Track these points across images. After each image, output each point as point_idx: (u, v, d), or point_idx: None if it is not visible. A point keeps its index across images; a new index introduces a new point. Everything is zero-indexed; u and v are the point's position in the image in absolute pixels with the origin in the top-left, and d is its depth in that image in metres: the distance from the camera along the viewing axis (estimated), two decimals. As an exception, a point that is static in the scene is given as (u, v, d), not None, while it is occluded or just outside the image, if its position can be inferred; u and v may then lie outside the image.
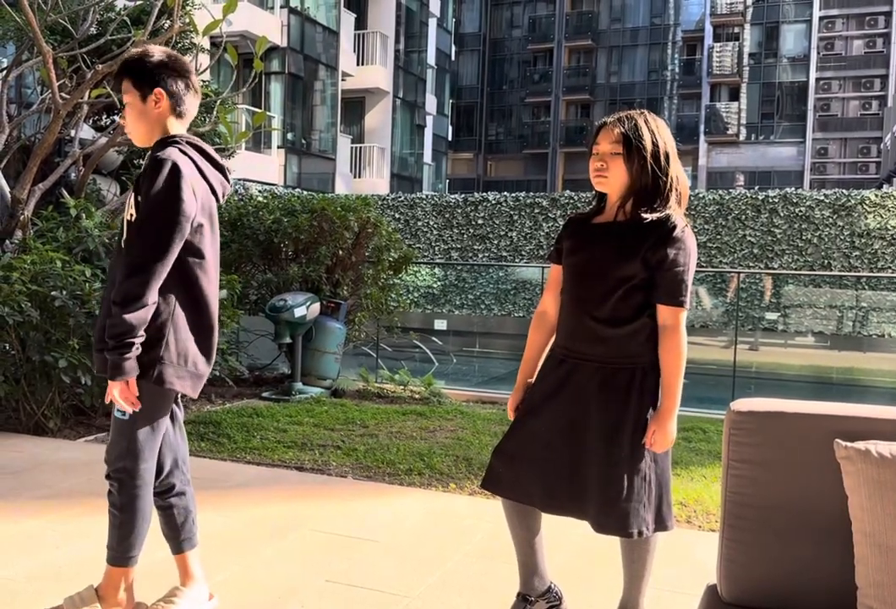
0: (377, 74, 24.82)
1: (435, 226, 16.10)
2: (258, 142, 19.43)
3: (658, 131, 2.23)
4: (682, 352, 2.18)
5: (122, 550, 2.38)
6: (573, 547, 3.12)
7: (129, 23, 6.67)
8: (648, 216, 2.18)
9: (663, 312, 2.19)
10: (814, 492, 1.66)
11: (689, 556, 3.18)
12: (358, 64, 24.25)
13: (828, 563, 1.65)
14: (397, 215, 16.14)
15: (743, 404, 1.75)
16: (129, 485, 2.33)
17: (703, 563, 2.89)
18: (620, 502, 2.16)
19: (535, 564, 2.39)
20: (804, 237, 13.78)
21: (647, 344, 2.22)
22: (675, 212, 2.21)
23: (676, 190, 2.23)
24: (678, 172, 2.25)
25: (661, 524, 2.25)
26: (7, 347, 4.74)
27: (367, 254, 7.45)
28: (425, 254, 15.86)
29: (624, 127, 2.20)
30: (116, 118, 8.25)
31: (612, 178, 2.22)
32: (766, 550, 1.70)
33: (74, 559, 2.98)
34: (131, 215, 2.28)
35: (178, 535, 2.49)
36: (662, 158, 2.21)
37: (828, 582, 1.65)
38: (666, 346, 2.18)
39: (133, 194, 2.31)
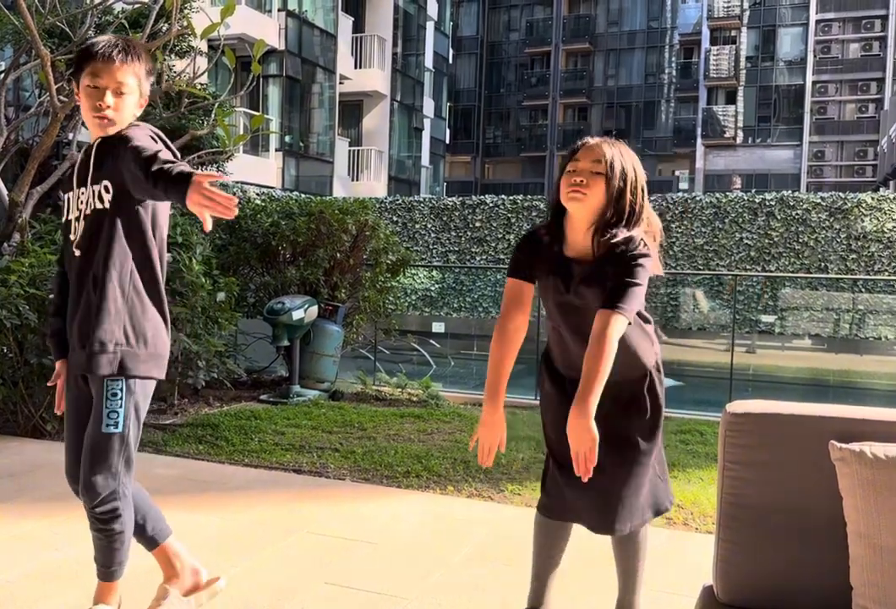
0: (375, 78, 24.85)
1: (433, 229, 16.12)
2: (256, 145, 19.45)
3: (636, 162, 2.20)
4: (607, 359, 2.02)
5: (123, 562, 2.31)
6: (570, 548, 3.13)
7: (126, 26, 6.68)
8: (617, 237, 2.11)
9: (599, 317, 2.05)
10: (809, 493, 1.68)
11: (685, 557, 3.19)
12: (356, 67, 24.28)
13: (823, 564, 1.66)
14: (395, 218, 16.16)
15: (739, 406, 1.76)
16: (121, 506, 2.22)
17: (699, 564, 2.90)
18: (625, 500, 2.21)
19: (550, 580, 2.41)
20: (801, 240, 13.82)
21: (647, 348, 2.25)
22: (638, 234, 2.16)
23: (647, 221, 2.20)
24: (649, 208, 2.22)
25: (662, 506, 2.30)
26: (5, 350, 4.74)
27: (364, 257, 7.46)
28: (423, 257, 15.87)
29: (609, 148, 2.15)
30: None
31: (590, 197, 2.12)
32: (761, 551, 1.71)
33: (73, 561, 2.98)
34: (99, 206, 2.13)
35: (144, 533, 2.38)
36: (639, 189, 2.17)
37: (823, 582, 1.66)
38: (592, 351, 2.02)
39: (92, 185, 2.16)
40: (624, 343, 2.11)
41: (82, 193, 2.20)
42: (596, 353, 2.00)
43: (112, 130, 2.15)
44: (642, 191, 2.18)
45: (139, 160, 1.99)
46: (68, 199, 2.24)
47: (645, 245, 2.12)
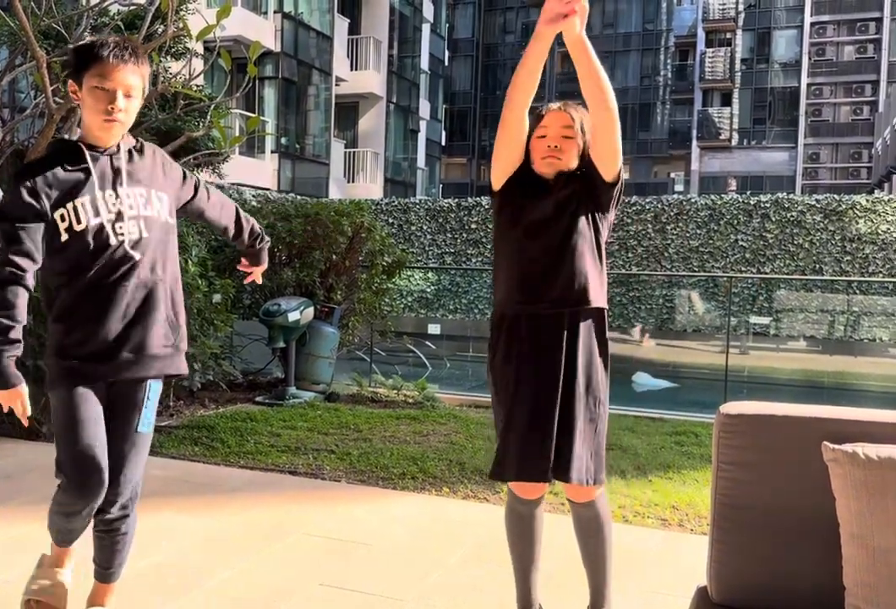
0: (371, 79, 24.86)
1: (428, 230, 16.12)
2: (252, 146, 19.44)
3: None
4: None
5: (123, 564, 2.38)
6: (557, 552, 3.14)
7: (122, 28, 6.68)
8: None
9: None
10: (802, 493, 1.68)
11: (680, 559, 3.20)
12: (351, 69, 24.28)
13: (816, 564, 1.66)
14: (391, 220, 16.16)
15: (732, 407, 1.77)
16: (133, 507, 2.30)
17: (694, 565, 2.90)
18: (597, 453, 2.24)
19: (536, 579, 2.40)
20: (796, 242, 13.85)
21: (599, 285, 2.28)
22: None
23: None
24: None
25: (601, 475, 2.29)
26: None
27: (360, 258, 7.47)
28: (419, 258, 15.87)
29: (574, 112, 2.26)
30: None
31: (564, 161, 2.25)
32: (754, 551, 1.71)
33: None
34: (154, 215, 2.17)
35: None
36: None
37: (816, 582, 1.67)
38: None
39: (152, 189, 2.18)
40: (579, 267, 2.22)
41: (114, 196, 2.12)
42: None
43: (119, 133, 2.13)
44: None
45: (238, 217, 2.49)
46: (93, 200, 2.10)
47: None
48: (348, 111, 25.38)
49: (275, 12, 20.54)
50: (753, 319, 13.90)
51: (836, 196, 13.91)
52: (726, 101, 40.70)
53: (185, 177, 2.32)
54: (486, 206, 15.70)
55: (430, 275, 16.03)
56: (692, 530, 3.63)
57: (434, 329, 13.59)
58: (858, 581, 1.55)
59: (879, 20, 39.68)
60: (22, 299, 2.17)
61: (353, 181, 24.61)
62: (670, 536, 3.52)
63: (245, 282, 2.64)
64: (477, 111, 44.03)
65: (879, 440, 1.60)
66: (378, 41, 25.11)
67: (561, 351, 2.20)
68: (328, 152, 23.01)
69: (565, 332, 2.21)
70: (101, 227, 2.10)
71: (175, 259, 2.25)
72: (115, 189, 2.12)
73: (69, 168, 2.09)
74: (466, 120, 43.99)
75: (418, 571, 3.00)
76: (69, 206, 2.07)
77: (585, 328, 2.23)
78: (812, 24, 40.34)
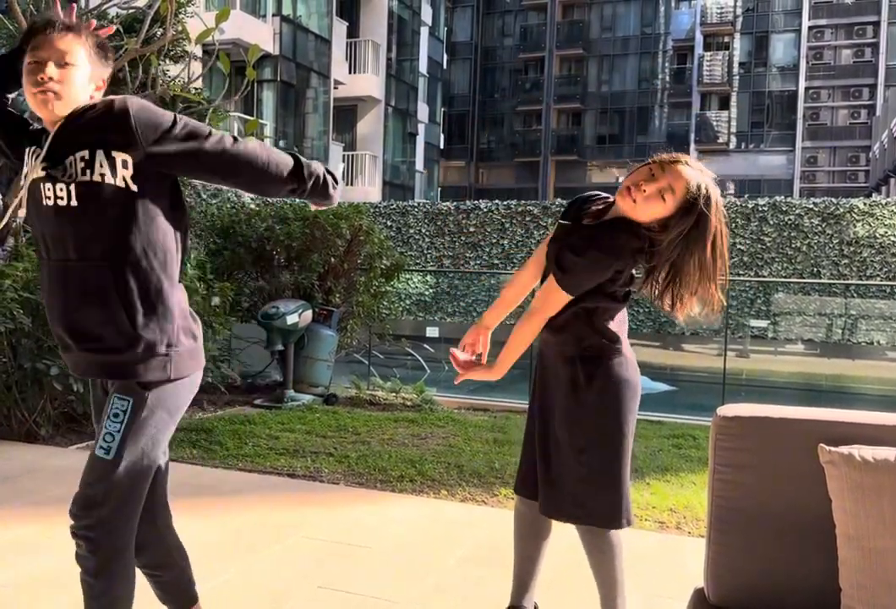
0: (369, 82, 24.88)
1: (427, 233, 16.13)
2: (249, 149, 19.42)
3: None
4: (528, 330, 2.26)
5: None
6: (558, 558, 3.15)
7: (121, 31, 6.69)
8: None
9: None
10: (798, 495, 1.69)
11: (678, 561, 3.20)
12: (350, 72, 24.31)
13: (812, 566, 1.67)
14: (389, 223, 16.17)
15: (729, 409, 1.78)
16: (110, 542, 1.95)
17: (692, 568, 2.91)
18: (579, 494, 2.23)
19: (532, 581, 2.41)
20: (793, 245, 13.87)
21: (588, 330, 2.25)
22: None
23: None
24: None
25: (627, 519, 2.23)
26: (-1, 354, 4.74)
27: (359, 261, 7.47)
28: (417, 261, 15.88)
29: (697, 190, 2.08)
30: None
31: (639, 207, 2.10)
32: (751, 553, 1.72)
33: (68, 566, 2.98)
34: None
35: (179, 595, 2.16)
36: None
37: (812, 584, 1.67)
38: (522, 319, 2.28)
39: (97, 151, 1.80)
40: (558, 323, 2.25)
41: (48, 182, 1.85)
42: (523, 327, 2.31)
43: (61, 108, 1.82)
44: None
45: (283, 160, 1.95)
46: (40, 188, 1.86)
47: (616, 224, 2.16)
48: (347, 114, 25.40)
49: (273, 15, 20.57)
50: (752, 322, 13.92)
51: (833, 199, 13.94)
52: (724, 104, 40.76)
53: (171, 126, 1.81)
54: (485, 209, 15.71)
55: (428, 278, 16.04)
56: (690, 533, 3.63)
57: (432, 332, 13.58)
58: (854, 583, 1.55)
59: (877, 24, 39.77)
60: None
61: (351, 184, 24.62)
62: (668, 539, 3.53)
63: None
64: (475, 114, 44.05)
65: (875, 442, 1.61)
66: (376, 44, 25.14)
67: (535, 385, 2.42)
68: (326, 155, 23.02)
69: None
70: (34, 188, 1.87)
71: (138, 240, 1.83)
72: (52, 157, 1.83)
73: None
74: (465, 123, 44.01)
75: (416, 574, 3.00)
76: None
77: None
78: (810, 28, 40.42)
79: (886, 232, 13.37)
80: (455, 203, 16.41)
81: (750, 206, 14.22)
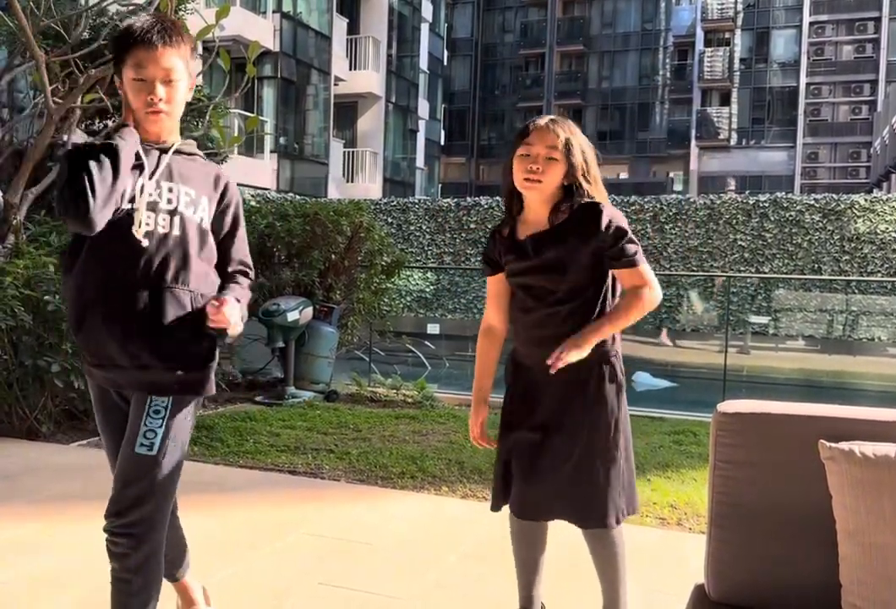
0: (369, 79, 24.87)
1: (427, 230, 16.14)
2: (251, 146, 19.45)
3: (584, 142, 2.19)
4: (646, 309, 2.17)
5: None
6: (561, 549, 3.15)
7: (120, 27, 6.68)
8: (571, 206, 2.17)
9: (623, 276, 2.17)
10: (799, 492, 1.69)
11: (679, 557, 3.20)
12: (350, 69, 24.30)
13: (813, 562, 1.67)
14: (390, 220, 16.17)
15: (729, 406, 1.78)
16: (152, 537, 1.95)
17: (692, 564, 2.91)
18: (600, 494, 2.18)
19: (537, 582, 2.39)
20: (794, 241, 13.86)
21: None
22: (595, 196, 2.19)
23: (603, 195, 2.23)
24: (601, 188, 2.23)
25: (631, 507, 2.25)
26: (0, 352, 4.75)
27: (359, 258, 7.47)
28: (418, 258, 15.89)
29: (562, 131, 2.14)
30: (109, 123, 8.26)
31: (545, 184, 2.13)
32: (752, 549, 1.72)
33: (69, 564, 2.99)
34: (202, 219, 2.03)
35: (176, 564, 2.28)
36: (592, 169, 2.18)
37: (813, 580, 1.67)
38: (634, 302, 2.15)
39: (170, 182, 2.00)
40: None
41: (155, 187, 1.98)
42: (637, 304, 2.14)
43: (169, 125, 1.99)
44: (594, 170, 2.19)
45: (238, 254, 2.13)
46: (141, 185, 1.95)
47: (603, 204, 2.17)
48: (347, 111, 25.38)
49: (273, 12, 20.55)
50: (753, 319, 13.92)
51: (834, 195, 13.94)
52: (725, 100, 40.72)
53: (229, 205, 2.10)
54: (485, 206, 15.71)
55: (429, 274, 16.04)
56: (690, 529, 3.64)
57: (433, 329, 13.61)
58: (855, 578, 1.56)
59: (878, 20, 39.71)
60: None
61: (351, 181, 24.62)
62: (669, 535, 3.53)
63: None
64: (476, 111, 44.03)
65: (876, 438, 1.61)
66: (377, 41, 25.12)
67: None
68: (327, 152, 23.02)
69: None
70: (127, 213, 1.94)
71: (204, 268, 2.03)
72: (158, 182, 1.97)
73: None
74: (465, 119, 43.98)
75: (417, 570, 3.01)
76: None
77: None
78: (811, 24, 40.37)
79: (887, 228, 13.36)
80: (456, 200, 16.42)
81: (751, 202, 14.22)
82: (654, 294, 2.16)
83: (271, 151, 20.52)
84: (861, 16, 40.09)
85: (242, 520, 3.53)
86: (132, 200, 1.93)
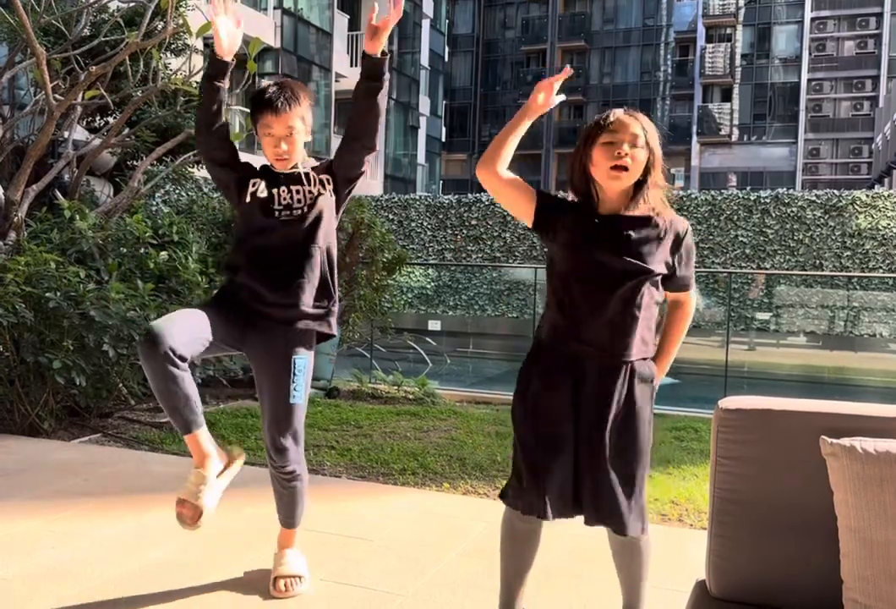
0: (370, 75, 24.80)
1: (429, 227, 16.12)
2: (252, 143, 19.42)
3: (656, 131, 2.20)
4: (690, 320, 2.39)
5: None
6: (563, 547, 3.15)
7: (122, 24, 6.68)
8: (660, 214, 2.18)
9: (681, 296, 2.33)
10: (800, 488, 1.69)
11: (680, 553, 3.20)
12: (351, 65, 24.26)
13: (814, 558, 1.67)
14: (391, 216, 16.16)
15: (731, 402, 1.78)
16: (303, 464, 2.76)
17: (693, 560, 2.91)
18: (639, 499, 2.17)
19: (522, 585, 2.36)
20: (796, 237, 13.85)
21: (647, 332, 2.23)
22: (671, 210, 2.22)
23: (665, 191, 2.22)
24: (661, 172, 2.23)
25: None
26: (1, 349, 4.75)
27: (360, 255, 7.46)
28: (419, 255, 15.88)
29: (644, 122, 2.14)
30: (110, 120, 8.26)
31: (631, 173, 2.11)
32: (753, 546, 1.72)
33: (70, 560, 2.99)
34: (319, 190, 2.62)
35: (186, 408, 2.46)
36: (660, 159, 2.18)
37: (814, 576, 1.67)
38: (683, 318, 2.35)
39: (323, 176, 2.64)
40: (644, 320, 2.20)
41: (283, 191, 2.60)
42: (684, 319, 2.36)
43: (290, 164, 2.60)
44: (660, 163, 2.20)
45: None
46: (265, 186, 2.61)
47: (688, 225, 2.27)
48: (348, 107, 25.25)
49: (274, 8, 20.53)
50: (760, 316, 13.91)
51: (836, 191, 13.91)
52: (726, 96, 40.67)
53: (330, 166, 2.67)
54: (486, 203, 15.70)
55: (430, 271, 16.04)
56: (692, 525, 3.64)
57: (434, 325, 13.60)
58: (856, 575, 1.55)
59: (880, 15, 39.64)
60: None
61: (353, 177, 24.57)
62: (670, 531, 3.53)
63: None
64: (477, 107, 43.98)
65: (877, 434, 1.61)
66: (378, 37, 25.05)
67: None
68: (328, 148, 22.99)
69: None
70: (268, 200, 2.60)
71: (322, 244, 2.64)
72: (287, 186, 2.61)
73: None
74: (466, 116, 43.95)
75: (418, 566, 3.01)
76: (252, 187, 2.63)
77: None
78: (812, 20, 40.30)
79: (889, 224, 13.35)
80: (457, 196, 16.40)
81: (752, 198, 14.20)
82: (693, 307, 2.38)
83: (272, 148, 20.49)
84: (863, 11, 40.02)
85: (244, 516, 3.53)
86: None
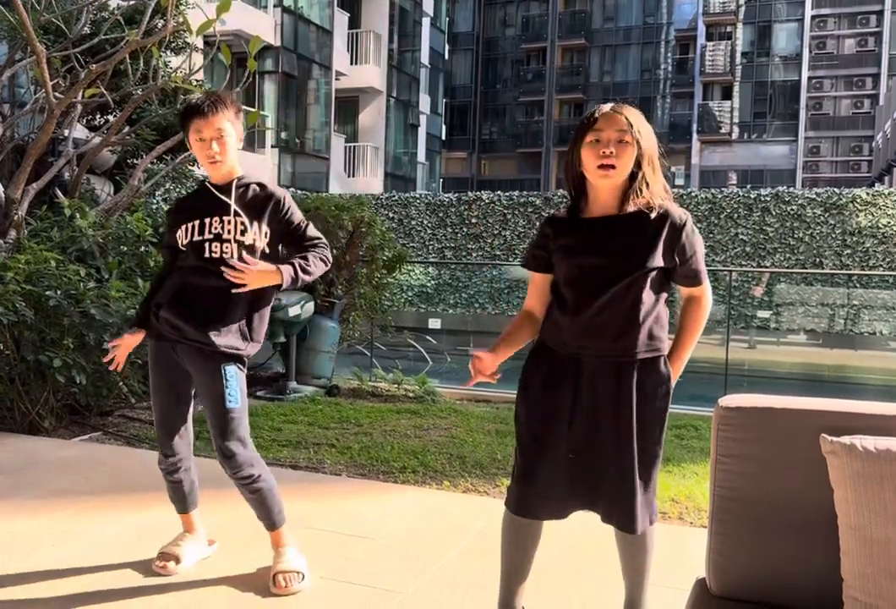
0: (371, 74, 24.81)
1: (429, 225, 16.13)
2: (252, 141, 19.42)
3: (648, 126, 2.18)
4: (707, 316, 2.32)
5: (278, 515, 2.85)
6: (560, 545, 3.15)
7: (122, 22, 6.68)
8: (654, 208, 2.12)
9: (694, 291, 2.27)
10: (800, 486, 1.69)
11: (680, 551, 3.21)
12: (351, 63, 24.24)
13: (814, 556, 1.67)
14: (391, 214, 16.17)
15: (731, 400, 1.78)
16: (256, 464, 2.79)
17: (693, 558, 2.91)
18: (648, 496, 2.18)
19: (521, 584, 2.36)
20: (796, 235, 13.85)
21: (658, 327, 2.21)
22: (669, 202, 2.18)
23: (663, 184, 2.19)
24: (658, 167, 2.20)
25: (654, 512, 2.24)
26: (1, 347, 4.75)
27: (361, 253, 7.47)
28: (419, 253, 15.89)
29: (630, 114, 2.11)
30: (110, 118, 8.25)
31: (620, 170, 2.08)
32: (753, 544, 1.72)
33: (71, 558, 3.00)
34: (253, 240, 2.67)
35: (184, 500, 2.95)
36: (656, 152, 2.16)
37: (814, 574, 1.67)
38: (698, 314, 2.28)
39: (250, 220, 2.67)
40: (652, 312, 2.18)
41: (216, 221, 2.66)
42: (700, 316, 2.29)
43: (224, 168, 2.67)
44: (656, 158, 2.16)
45: (304, 243, 2.81)
46: (197, 224, 2.68)
47: (689, 218, 2.19)
48: (348, 105, 25.34)
49: (275, 6, 20.50)
50: (761, 314, 13.91)
51: (836, 189, 13.91)
52: (727, 94, 40.64)
53: (285, 213, 2.74)
54: (487, 201, 15.70)
55: (430, 269, 16.04)
56: (692, 523, 3.64)
57: (434, 323, 13.60)
58: (857, 573, 1.56)
59: (880, 13, 39.61)
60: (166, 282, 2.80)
61: (353, 176, 24.58)
62: (670, 529, 3.53)
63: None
64: (477, 105, 43.96)
65: (877, 432, 1.61)
66: (378, 35, 25.06)
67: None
68: (328, 147, 22.99)
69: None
70: (200, 244, 2.67)
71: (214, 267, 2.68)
72: (215, 216, 2.67)
73: (200, 200, 2.76)
74: (467, 114, 43.93)
75: (419, 564, 3.01)
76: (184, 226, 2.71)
77: None
78: (813, 18, 40.26)
79: (889, 222, 13.35)
80: (457, 194, 16.40)
81: (752, 196, 14.20)
82: (709, 302, 2.29)
83: (272, 146, 20.49)
84: (863, 9, 39.99)
85: (244, 514, 3.53)
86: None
